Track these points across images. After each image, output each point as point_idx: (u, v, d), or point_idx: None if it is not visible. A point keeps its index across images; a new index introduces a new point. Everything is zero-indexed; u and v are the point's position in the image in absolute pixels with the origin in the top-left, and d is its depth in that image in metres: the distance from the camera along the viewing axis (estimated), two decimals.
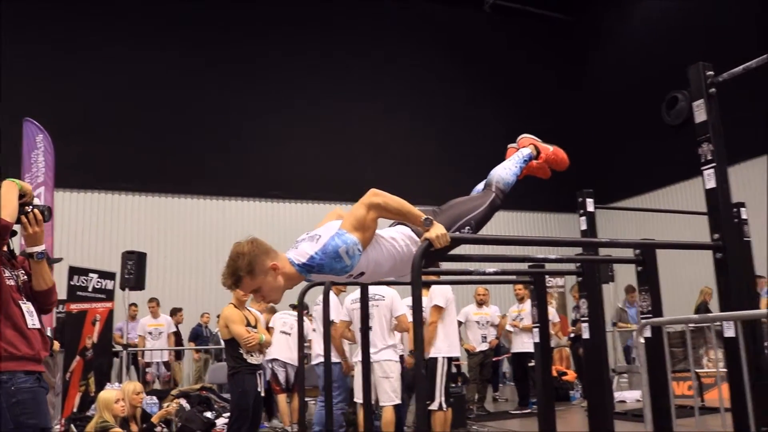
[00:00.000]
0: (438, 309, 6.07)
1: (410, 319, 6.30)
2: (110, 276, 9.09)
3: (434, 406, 5.93)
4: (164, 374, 10.82)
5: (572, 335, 10.30)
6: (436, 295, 6.09)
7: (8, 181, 2.89)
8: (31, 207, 2.95)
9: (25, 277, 3.02)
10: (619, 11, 16.34)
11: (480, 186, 3.39)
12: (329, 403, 4.31)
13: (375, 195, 2.70)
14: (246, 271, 2.62)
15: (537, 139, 3.70)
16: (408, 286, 2.83)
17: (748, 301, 6.28)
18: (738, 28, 12.51)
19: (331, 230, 2.67)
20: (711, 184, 3.71)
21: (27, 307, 2.93)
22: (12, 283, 2.91)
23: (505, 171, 3.36)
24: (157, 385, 10.34)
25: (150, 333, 10.82)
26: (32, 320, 2.91)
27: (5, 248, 2.94)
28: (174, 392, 8.55)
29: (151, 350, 10.73)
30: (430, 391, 5.90)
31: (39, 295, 3.03)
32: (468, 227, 3.02)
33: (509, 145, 3.71)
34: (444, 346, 6.05)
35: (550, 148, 3.66)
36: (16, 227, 2.92)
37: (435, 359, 6.00)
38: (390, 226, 2.97)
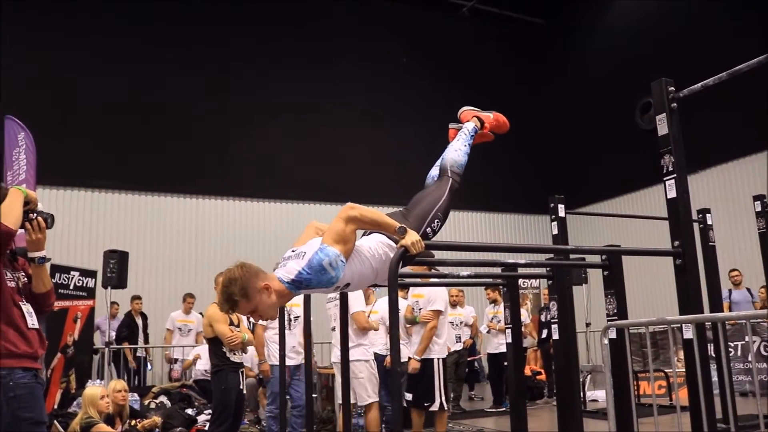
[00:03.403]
0: (438, 313, 6.09)
1: (370, 317, 6.46)
2: (91, 274, 9.19)
3: (435, 407, 5.93)
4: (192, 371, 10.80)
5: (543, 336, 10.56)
6: (437, 298, 6.10)
7: (14, 188, 3.04)
8: (35, 214, 3.08)
9: (25, 279, 3.16)
10: (592, 17, 16.57)
11: (434, 172, 3.54)
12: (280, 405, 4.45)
13: (351, 209, 2.88)
14: (240, 295, 2.79)
15: (476, 109, 3.83)
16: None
17: (712, 303, 6.55)
18: (708, 36, 12.83)
19: (314, 246, 2.86)
20: (672, 193, 3.91)
21: (27, 308, 3.07)
22: (13, 285, 3.05)
23: (457, 153, 3.53)
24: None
25: (180, 329, 10.83)
26: (31, 320, 3.06)
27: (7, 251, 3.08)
28: (155, 390, 8.68)
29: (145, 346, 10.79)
30: (430, 392, 5.90)
31: (38, 297, 3.18)
32: (437, 220, 3.21)
33: (450, 126, 3.81)
34: (438, 347, 6.09)
35: (491, 115, 3.81)
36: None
37: (431, 360, 6.00)
38: (364, 235, 3.14)
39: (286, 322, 6.40)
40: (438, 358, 6.05)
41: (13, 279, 3.07)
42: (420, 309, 6.16)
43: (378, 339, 6.85)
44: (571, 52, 17.12)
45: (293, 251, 2.95)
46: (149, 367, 11.07)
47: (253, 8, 14.31)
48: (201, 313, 10.10)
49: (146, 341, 11.07)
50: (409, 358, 6.15)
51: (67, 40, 12.74)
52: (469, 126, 3.70)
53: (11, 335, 2.94)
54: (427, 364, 5.98)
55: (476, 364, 12.14)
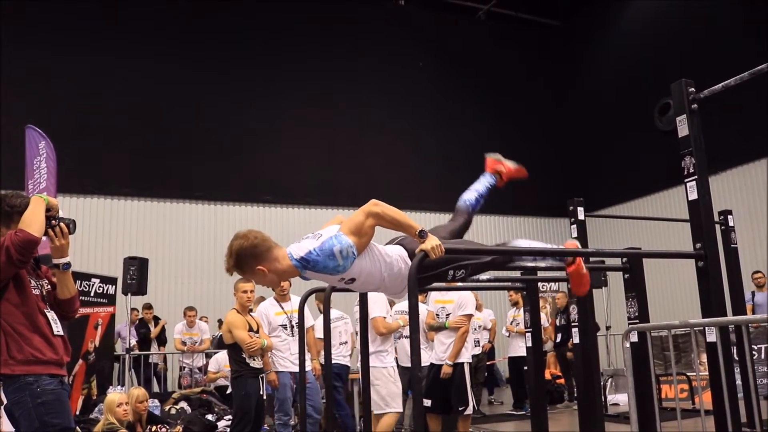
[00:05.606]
0: (469, 317, 6.08)
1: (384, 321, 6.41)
2: (112, 281, 9.25)
3: (469, 410, 5.94)
4: (201, 378, 10.83)
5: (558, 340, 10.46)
6: (467, 303, 6.08)
7: (36, 196, 3.07)
8: (57, 220, 3.11)
9: (49, 286, 3.20)
10: (609, 18, 16.45)
11: (467, 195, 3.62)
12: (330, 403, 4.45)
13: (374, 205, 2.89)
14: (247, 250, 2.93)
15: (501, 159, 3.87)
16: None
17: (735, 305, 6.47)
18: (726, 37, 12.71)
19: (331, 231, 2.87)
20: (693, 195, 3.87)
21: (51, 315, 3.12)
22: (37, 292, 3.10)
23: (473, 195, 3.64)
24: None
25: (184, 342, 10.71)
26: (57, 328, 3.11)
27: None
28: (175, 395, 8.72)
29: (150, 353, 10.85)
30: (464, 396, 5.90)
31: (63, 303, 3.22)
32: (463, 270, 3.13)
33: (487, 156, 3.89)
34: (467, 351, 6.09)
35: (512, 166, 3.86)
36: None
37: (462, 364, 5.98)
38: (386, 244, 3.13)
39: (289, 328, 6.29)
40: (467, 362, 6.06)
41: (38, 287, 3.12)
42: (447, 315, 6.13)
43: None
44: (588, 54, 17.03)
45: (312, 233, 2.98)
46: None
47: (272, 14, 14.38)
48: (219, 321, 10.12)
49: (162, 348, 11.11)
50: (431, 364, 6.12)
51: (86, 49, 12.83)
52: (489, 179, 3.78)
53: (37, 342, 2.99)
54: (458, 368, 5.96)
55: (495, 367, 12.09)
